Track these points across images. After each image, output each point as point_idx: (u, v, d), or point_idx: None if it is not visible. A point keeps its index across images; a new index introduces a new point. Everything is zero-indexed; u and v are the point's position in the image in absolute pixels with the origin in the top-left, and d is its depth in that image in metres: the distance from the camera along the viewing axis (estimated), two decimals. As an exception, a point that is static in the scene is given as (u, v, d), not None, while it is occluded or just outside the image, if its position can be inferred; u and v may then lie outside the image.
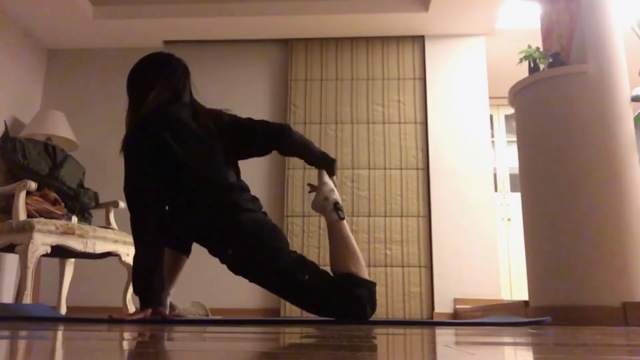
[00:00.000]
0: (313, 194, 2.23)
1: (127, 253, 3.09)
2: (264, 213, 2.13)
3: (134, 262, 1.94)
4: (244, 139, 2.19)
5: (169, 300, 2.13)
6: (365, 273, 2.09)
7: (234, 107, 4.24)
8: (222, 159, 2.10)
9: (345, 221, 2.16)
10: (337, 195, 2.18)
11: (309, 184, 2.28)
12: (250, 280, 2.06)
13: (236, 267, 2.05)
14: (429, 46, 4.35)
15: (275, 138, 2.18)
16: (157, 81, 2.12)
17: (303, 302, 2.04)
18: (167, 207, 2.07)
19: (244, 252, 2.00)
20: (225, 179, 2.07)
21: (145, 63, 2.19)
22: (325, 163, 2.22)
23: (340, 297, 1.99)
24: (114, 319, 1.87)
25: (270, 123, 2.22)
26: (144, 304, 1.90)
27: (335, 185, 2.22)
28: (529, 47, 2.83)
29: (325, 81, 4.33)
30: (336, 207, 2.15)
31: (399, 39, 4.38)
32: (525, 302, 2.65)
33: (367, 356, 0.68)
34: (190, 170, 2.00)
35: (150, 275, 1.90)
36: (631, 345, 0.94)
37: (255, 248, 1.99)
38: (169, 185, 2.01)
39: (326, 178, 2.20)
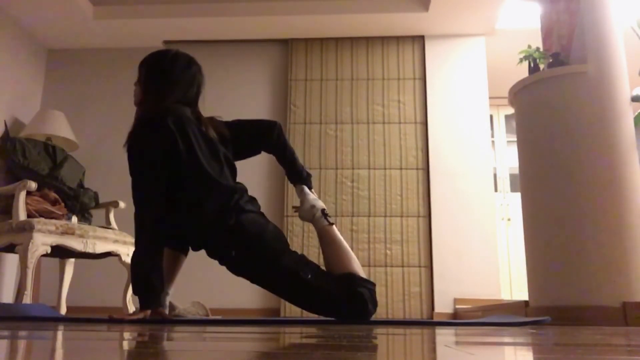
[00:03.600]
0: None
1: (127, 253, 3.09)
2: (262, 214, 2.13)
3: (132, 261, 1.93)
4: (239, 135, 2.23)
5: (168, 300, 2.13)
6: (362, 274, 2.10)
7: (234, 107, 4.26)
8: (224, 161, 2.11)
9: (334, 226, 2.20)
10: (321, 203, 2.24)
11: (293, 207, 2.33)
12: (252, 281, 2.06)
13: (238, 269, 2.05)
14: (429, 46, 4.35)
15: (269, 127, 2.27)
16: (182, 80, 2.14)
17: (305, 302, 2.04)
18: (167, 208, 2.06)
19: (246, 253, 2.00)
20: (229, 181, 2.08)
21: (178, 57, 2.18)
22: (302, 176, 2.29)
23: (343, 296, 1.99)
24: (114, 319, 1.86)
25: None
26: (143, 304, 1.89)
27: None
28: (529, 47, 2.83)
29: (325, 81, 4.33)
30: (324, 213, 2.20)
31: (399, 39, 4.38)
32: (525, 302, 2.65)
33: (367, 356, 0.68)
34: (196, 169, 2.00)
35: (150, 276, 1.89)
36: (631, 345, 0.94)
37: (258, 248, 2.00)
38: (174, 184, 2.00)
39: (307, 190, 2.28)
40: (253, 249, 2.00)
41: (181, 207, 2.02)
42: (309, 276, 1.98)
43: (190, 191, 2.01)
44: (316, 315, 2.10)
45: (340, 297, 1.99)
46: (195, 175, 2.00)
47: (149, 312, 1.88)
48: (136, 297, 1.94)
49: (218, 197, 2.01)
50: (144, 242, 1.92)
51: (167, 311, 2.07)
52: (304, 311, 2.10)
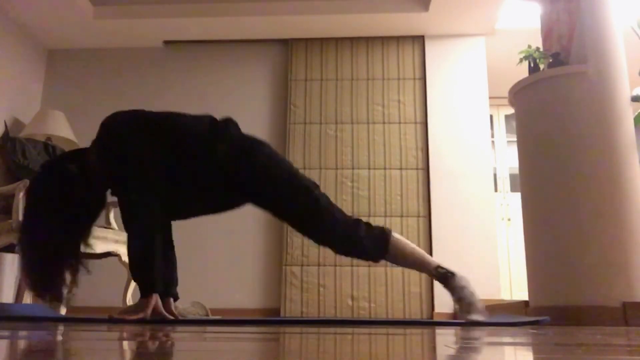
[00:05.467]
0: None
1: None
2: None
3: (135, 246, 1.89)
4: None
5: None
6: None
7: (234, 107, 4.26)
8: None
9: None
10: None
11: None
12: (265, 203, 2.04)
13: (252, 192, 2.02)
14: (429, 46, 4.35)
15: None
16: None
17: (313, 222, 2.01)
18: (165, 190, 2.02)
19: (255, 166, 1.99)
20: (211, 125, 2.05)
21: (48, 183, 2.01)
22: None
23: (348, 224, 1.99)
24: (114, 319, 1.86)
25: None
26: (147, 288, 1.86)
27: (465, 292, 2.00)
28: (529, 47, 2.83)
29: (325, 81, 4.33)
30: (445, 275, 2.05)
31: (399, 39, 4.38)
32: (525, 302, 2.65)
33: (367, 356, 0.68)
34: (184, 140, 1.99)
35: (153, 257, 1.87)
36: (631, 345, 0.94)
37: (273, 169, 2.01)
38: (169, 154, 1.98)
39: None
40: (268, 168, 2.00)
41: (185, 168, 2.00)
42: (323, 198, 2.00)
43: (183, 150, 1.99)
44: (315, 240, 2.06)
45: (344, 223, 1.99)
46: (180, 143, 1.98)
47: (149, 311, 1.87)
48: (136, 298, 1.94)
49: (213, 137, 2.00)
50: (149, 223, 1.89)
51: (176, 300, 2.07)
52: (307, 235, 2.04)
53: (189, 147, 1.98)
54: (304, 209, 2.01)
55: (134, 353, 0.71)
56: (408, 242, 2.08)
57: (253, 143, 2.03)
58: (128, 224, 1.92)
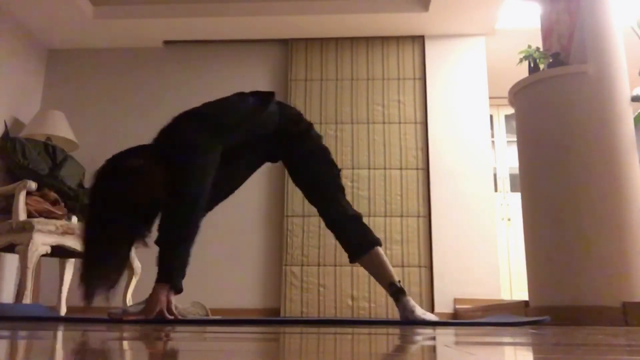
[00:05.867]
0: None
1: (127, 253, 3.08)
2: None
3: (178, 228, 1.88)
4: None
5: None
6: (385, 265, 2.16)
7: (234, 107, 4.24)
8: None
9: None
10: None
11: None
12: (296, 164, 2.23)
13: (293, 153, 2.23)
14: (429, 46, 4.35)
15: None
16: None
17: (331, 190, 2.18)
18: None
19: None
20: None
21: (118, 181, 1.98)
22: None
23: (356, 211, 2.21)
24: (114, 319, 1.86)
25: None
26: (170, 278, 1.86)
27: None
28: (529, 47, 2.84)
29: (325, 81, 4.33)
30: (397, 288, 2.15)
31: (399, 39, 4.38)
32: (525, 302, 2.65)
33: (367, 356, 0.68)
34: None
35: (188, 249, 1.89)
36: (631, 345, 0.94)
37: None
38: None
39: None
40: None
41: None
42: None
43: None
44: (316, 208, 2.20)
45: (352, 207, 2.20)
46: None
47: (164, 298, 1.86)
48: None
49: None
50: (198, 212, 1.91)
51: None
52: (313, 201, 2.20)
53: (243, 122, 2.09)
54: (330, 177, 2.20)
55: (134, 353, 0.71)
56: (386, 259, 2.21)
57: (295, 112, 2.32)
58: (179, 202, 1.91)
